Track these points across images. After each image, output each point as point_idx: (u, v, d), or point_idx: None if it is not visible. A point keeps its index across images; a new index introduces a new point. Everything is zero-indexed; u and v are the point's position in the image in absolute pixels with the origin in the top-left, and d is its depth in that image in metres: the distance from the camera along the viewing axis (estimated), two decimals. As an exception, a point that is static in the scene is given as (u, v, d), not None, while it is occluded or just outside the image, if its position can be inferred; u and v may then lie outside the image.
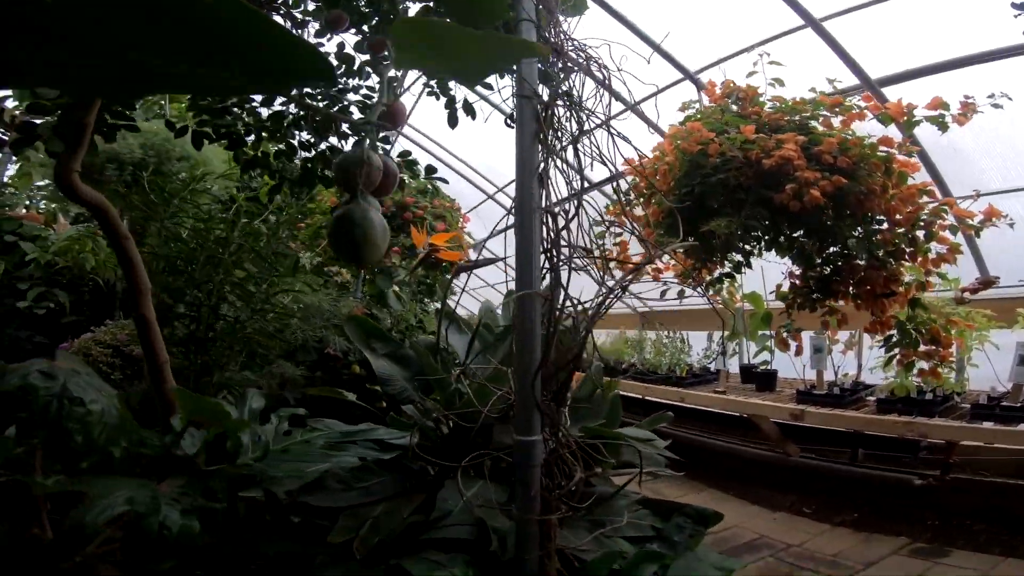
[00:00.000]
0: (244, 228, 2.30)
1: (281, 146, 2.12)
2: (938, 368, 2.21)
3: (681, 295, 3.04)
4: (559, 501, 1.50)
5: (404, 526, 1.73)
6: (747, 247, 2.64)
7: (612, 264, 1.57)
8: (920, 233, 2.25)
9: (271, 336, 3.12)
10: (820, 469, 4.47)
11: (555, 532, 1.49)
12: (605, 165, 1.60)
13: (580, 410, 2.81)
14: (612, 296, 1.52)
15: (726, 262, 2.97)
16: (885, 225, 2.35)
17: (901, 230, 2.29)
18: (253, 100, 2.14)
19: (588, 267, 1.55)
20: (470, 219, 4.92)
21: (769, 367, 4.47)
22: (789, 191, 2.14)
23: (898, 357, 2.25)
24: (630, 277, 1.54)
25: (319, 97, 2.03)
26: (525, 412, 1.47)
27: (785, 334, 3.65)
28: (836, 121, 2.49)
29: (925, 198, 2.18)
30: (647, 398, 5.08)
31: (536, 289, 1.46)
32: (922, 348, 2.19)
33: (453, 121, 2.16)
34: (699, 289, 2.99)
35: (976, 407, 3.09)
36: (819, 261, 2.51)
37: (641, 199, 2.80)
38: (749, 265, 2.78)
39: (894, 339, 2.30)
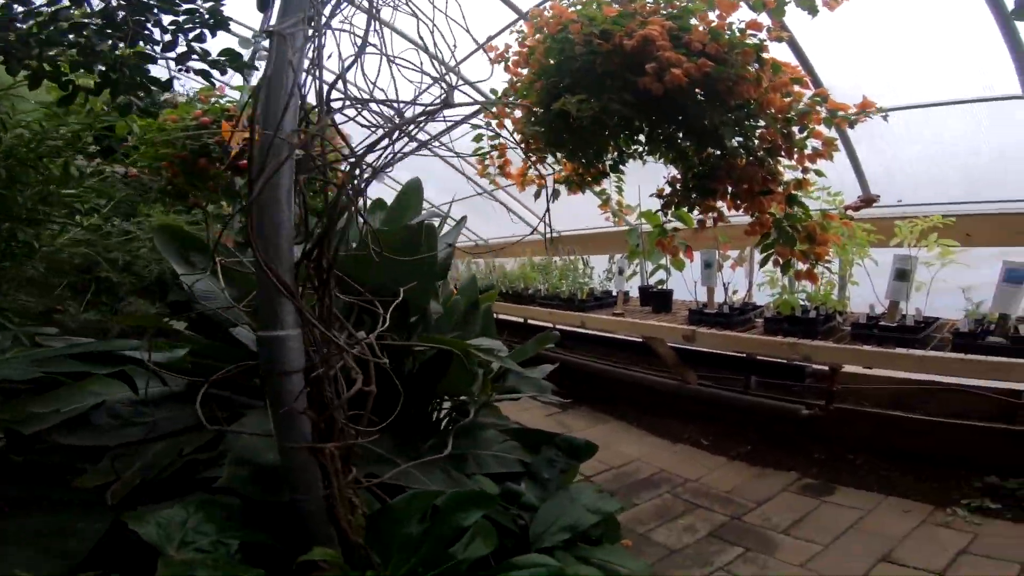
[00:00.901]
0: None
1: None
2: (814, 269, 2.07)
3: (555, 196, 2.76)
4: (345, 426, 1.20)
5: (181, 464, 1.42)
6: (621, 145, 2.36)
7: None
8: (796, 129, 2.03)
9: (123, 270, 2.71)
10: (717, 398, 4.48)
11: (339, 466, 1.17)
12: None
13: (442, 325, 2.54)
14: (392, 143, 1.18)
15: (605, 162, 2.70)
16: (762, 121, 2.11)
17: (778, 125, 2.06)
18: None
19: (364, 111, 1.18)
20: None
21: (665, 287, 4.34)
22: (650, 70, 1.86)
23: (774, 257, 2.09)
24: (423, 119, 1.20)
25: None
26: (266, 295, 1.13)
27: (677, 245, 3.48)
28: (713, 16, 2.19)
29: (798, 87, 1.94)
30: (556, 325, 4.93)
31: (286, 132, 1.08)
32: (799, 248, 2.03)
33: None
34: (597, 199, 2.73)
35: (856, 327, 3.03)
36: (698, 161, 2.27)
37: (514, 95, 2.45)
38: (623, 163, 2.52)
39: (771, 238, 2.12)
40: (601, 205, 3.24)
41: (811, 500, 3.12)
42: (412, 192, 2.35)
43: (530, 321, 5.20)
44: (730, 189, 2.21)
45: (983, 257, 3.32)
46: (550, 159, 2.70)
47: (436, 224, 2.36)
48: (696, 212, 2.30)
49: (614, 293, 4.90)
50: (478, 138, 2.68)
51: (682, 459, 3.90)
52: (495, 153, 2.79)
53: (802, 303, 3.30)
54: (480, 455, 2.01)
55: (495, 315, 5.89)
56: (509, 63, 2.37)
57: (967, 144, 3.30)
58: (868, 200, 3.17)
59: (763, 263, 2.21)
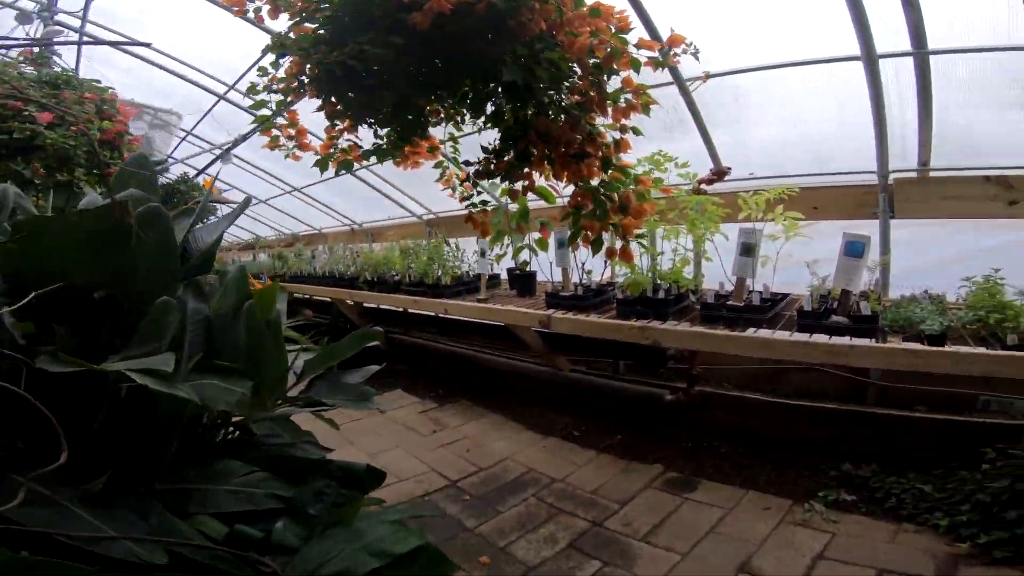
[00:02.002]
0: None
1: None
2: (627, 247, 1.72)
3: (346, 167, 2.26)
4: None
5: None
6: (416, 100, 1.89)
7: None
8: (607, 78, 1.66)
9: None
10: (588, 385, 4.25)
11: None
12: None
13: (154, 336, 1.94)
14: None
15: (426, 130, 2.22)
16: (579, 71, 1.72)
17: (589, 76, 1.67)
18: None
19: None
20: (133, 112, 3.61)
21: (528, 268, 3.98)
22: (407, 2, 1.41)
23: (583, 234, 1.71)
24: None
25: None
26: None
27: (527, 225, 3.12)
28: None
29: (604, 24, 1.56)
30: (412, 311, 4.45)
31: None
32: (612, 221, 1.66)
33: None
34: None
35: (705, 307, 2.79)
36: (513, 123, 1.85)
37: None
38: (422, 124, 2.06)
39: (586, 211, 1.75)
40: (440, 179, 2.77)
41: (674, 498, 2.99)
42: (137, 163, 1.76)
43: (410, 310, 4.70)
44: (548, 153, 1.82)
45: (830, 231, 3.21)
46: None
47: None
48: (507, 184, 1.89)
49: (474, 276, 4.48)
50: (257, 105, 2.11)
51: (552, 455, 3.70)
52: (284, 121, 2.22)
53: (658, 283, 3.04)
54: (210, 491, 1.51)
55: (361, 304, 5.46)
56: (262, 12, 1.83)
57: (816, 116, 3.15)
58: (720, 173, 2.93)
59: (571, 240, 1.84)
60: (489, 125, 1.97)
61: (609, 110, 1.74)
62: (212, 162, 6.94)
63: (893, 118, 2.83)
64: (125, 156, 3.28)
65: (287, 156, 2.36)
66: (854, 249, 2.38)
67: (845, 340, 2.33)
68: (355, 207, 7.01)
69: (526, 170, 1.90)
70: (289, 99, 2.10)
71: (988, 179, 2.84)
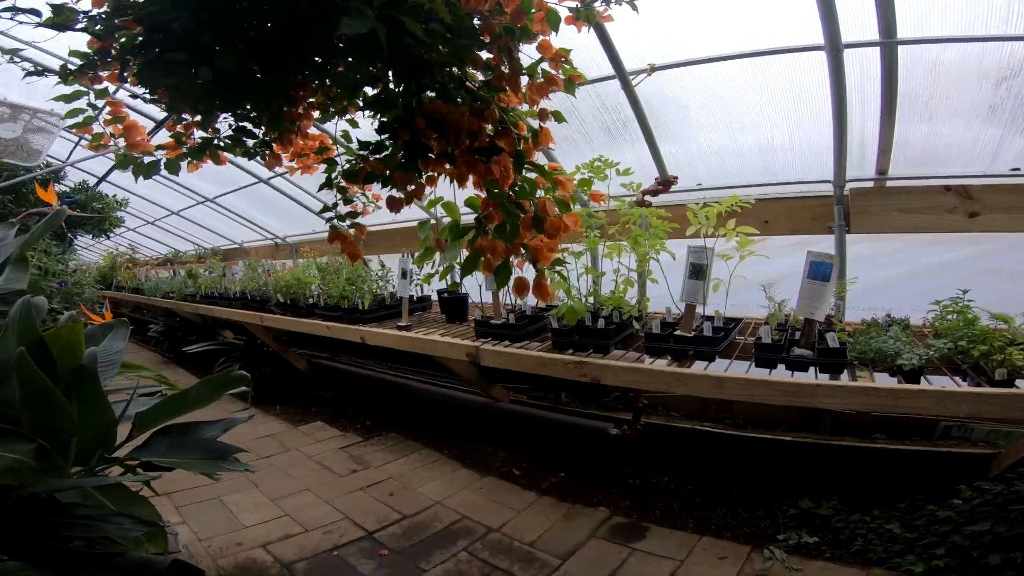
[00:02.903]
0: None
1: None
2: (543, 280, 1.24)
3: (151, 169, 1.69)
4: None
5: None
6: (260, 83, 1.35)
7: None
8: (518, 43, 1.20)
9: None
10: (528, 418, 3.77)
11: None
12: None
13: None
14: None
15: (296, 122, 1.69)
16: (486, 39, 1.24)
17: (499, 43, 1.20)
18: None
19: None
20: None
21: (459, 291, 3.47)
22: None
23: (483, 259, 1.22)
24: None
25: None
26: None
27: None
28: None
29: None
30: (334, 338, 3.85)
31: None
32: (519, 242, 1.18)
33: None
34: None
35: (651, 338, 2.35)
36: (404, 111, 1.34)
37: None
38: (289, 115, 1.53)
39: (492, 225, 1.26)
40: (330, 186, 2.22)
41: (621, 549, 2.57)
42: None
43: (335, 336, 4.09)
44: (449, 150, 1.34)
45: (782, 247, 2.88)
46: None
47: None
48: (391, 191, 1.39)
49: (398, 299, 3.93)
50: (69, 97, 1.53)
51: (489, 498, 3.21)
52: (106, 115, 1.63)
53: (598, 308, 2.60)
54: None
55: (269, 327, 4.79)
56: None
57: (769, 121, 2.81)
58: (666, 183, 2.53)
59: (464, 269, 1.35)
60: (370, 114, 1.46)
61: (523, 87, 1.27)
62: (113, 168, 6.10)
63: (854, 120, 2.51)
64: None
65: (120, 160, 1.76)
66: (820, 271, 2.01)
67: (809, 377, 1.95)
68: (278, 220, 6.31)
69: (426, 174, 1.40)
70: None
71: (948, 188, 2.56)
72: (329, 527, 2.87)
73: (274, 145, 1.78)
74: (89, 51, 1.39)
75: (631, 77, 2.73)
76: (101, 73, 1.47)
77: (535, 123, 1.36)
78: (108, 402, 1.46)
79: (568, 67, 1.27)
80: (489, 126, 1.33)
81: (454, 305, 3.48)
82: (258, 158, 1.87)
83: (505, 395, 3.96)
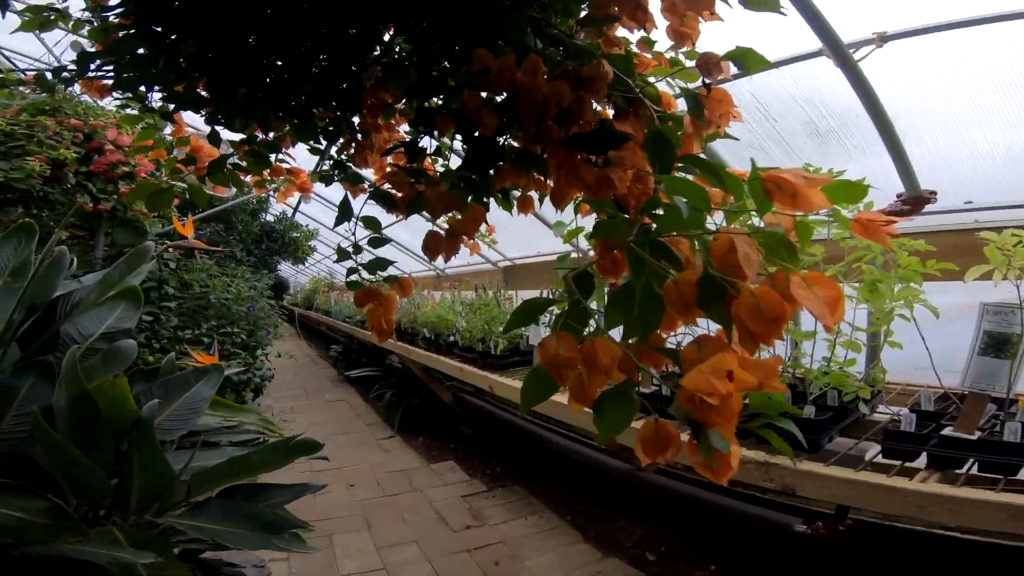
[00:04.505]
0: None
1: None
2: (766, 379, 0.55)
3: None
4: None
5: None
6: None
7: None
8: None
9: None
10: (677, 493, 2.92)
11: None
12: None
13: None
14: None
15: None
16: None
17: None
18: None
19: None
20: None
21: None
22: None
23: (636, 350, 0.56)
24: None
25: None
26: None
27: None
28: None
29: None
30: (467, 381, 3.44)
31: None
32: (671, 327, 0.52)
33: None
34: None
35: (896, 436, 1.44)
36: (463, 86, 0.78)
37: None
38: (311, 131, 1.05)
39: (626, 282, 0.61)
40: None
41: None
42: None
43: (467, 380, 3.74)
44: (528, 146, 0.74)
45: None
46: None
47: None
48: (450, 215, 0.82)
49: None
50: (134, 120, 1.28)
51: None
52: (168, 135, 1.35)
53: (791, 382, 1.73)
54: None
55: (415, 361, 4.58)
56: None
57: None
58: (918, 201, 1.61)
59: (527, 398, 0.68)
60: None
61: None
62: (300, 201, 6.64)
63: None
64: (124, 190, 2.71)
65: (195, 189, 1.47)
66: None
67: None
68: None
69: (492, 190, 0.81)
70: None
71: None
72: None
73: (352, 163, 1.35)
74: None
75: (851, 51, 1.83)
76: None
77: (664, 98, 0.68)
78: (164, 458, 1.31)
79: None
80: (596, 90, 0.68)
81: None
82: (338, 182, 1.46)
83: (652, 465, 3.14)
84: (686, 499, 2.89)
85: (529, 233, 4.55)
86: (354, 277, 0.87)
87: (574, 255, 2.66)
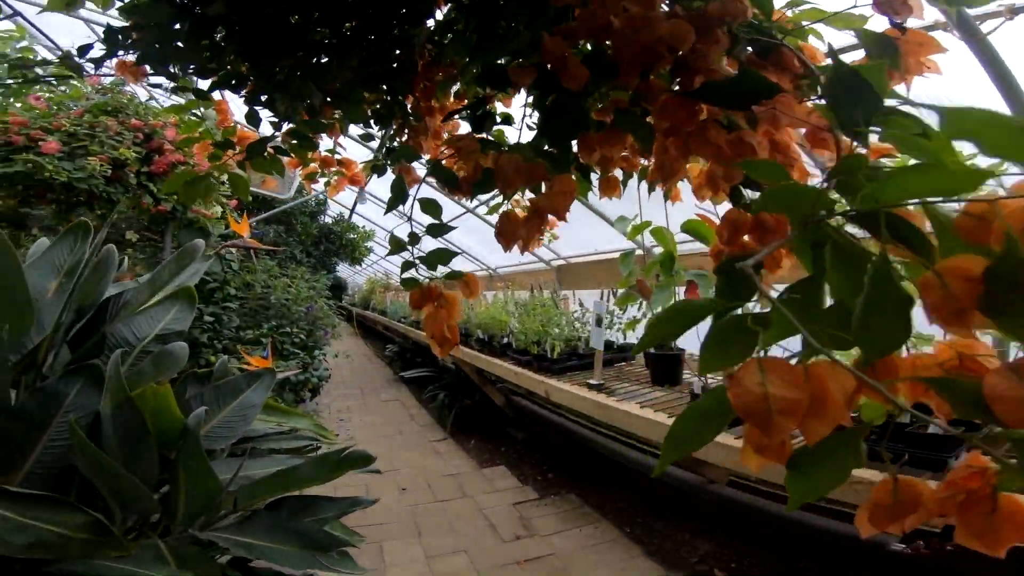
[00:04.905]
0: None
1: None
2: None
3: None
4: None
5: None
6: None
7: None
8: None
9: None
10: (751, 507, 2.64)
11: None
12: None
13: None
14: None
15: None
16: None
17: None
18: None
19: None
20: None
21: (673, 346, 2.56)
22: None
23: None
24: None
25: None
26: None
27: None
28: None
29: None
30: (521, 385, 3.28)
31: None
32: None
33: None
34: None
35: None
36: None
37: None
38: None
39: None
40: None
41: None
42: None
43: (521, 384, 3.58)
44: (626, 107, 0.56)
45: None
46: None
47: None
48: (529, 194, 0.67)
49: (587, 348, 3.16)
50: (183, 108, 1.19)
51: None
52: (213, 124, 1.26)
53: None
54: None
55: (466, 362, 4.46)
56: None
57: None
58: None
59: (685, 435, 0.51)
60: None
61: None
62: (356, 202, 6.70)
63: None
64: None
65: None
66: None
67: None
68: (488, 250, 6.15)
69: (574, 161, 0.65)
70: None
71: None
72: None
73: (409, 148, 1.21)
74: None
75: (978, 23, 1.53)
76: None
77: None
78: (211, 469, 1.23)
79: None
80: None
81: (663, 363, 2.58)
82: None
83: (723, 476, 2.88)
84: (759, 513, 2.62)
85: (584, 231, 4.35)
86: (410, 273, 0.72)
87: (639, 252, 2.42)
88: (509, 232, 0.63)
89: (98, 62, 0.84)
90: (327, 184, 1.59)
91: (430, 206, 0.74)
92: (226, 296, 3.88)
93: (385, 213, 0.82)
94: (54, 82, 2.59)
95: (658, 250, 3.08)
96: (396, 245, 0.73)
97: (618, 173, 0.83)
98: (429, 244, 0.77)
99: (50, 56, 2.58)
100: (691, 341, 1.96)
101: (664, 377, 2.57)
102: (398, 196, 0.74)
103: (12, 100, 2.22)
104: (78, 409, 1.29)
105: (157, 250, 3.62)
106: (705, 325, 0.44)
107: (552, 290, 3.62)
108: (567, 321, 3.25)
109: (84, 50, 0.86)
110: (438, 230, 0.71)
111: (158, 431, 1.29)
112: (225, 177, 1.12)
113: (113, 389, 1.20)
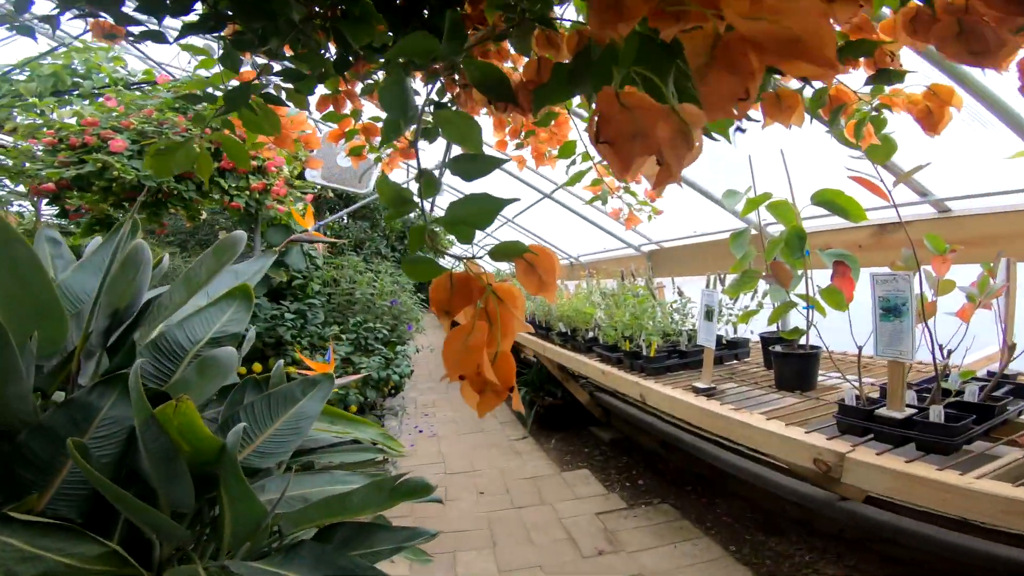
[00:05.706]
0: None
1: None
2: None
3: None
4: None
5: None
6: None
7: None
8: None
9: None
10: (901, 532, 2.09)
11: None
12: None
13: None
14: None
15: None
16: None
17: None
18: None
19: None
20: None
21: (803, 343, 2.07)
22: None
23: None
24: None
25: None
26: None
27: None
28: None
29: None
30: (610, 389, 2.90)
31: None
32: None
33: None
34: None
35: None
36: None
37: None
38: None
39: None
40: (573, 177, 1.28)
41: None
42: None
43: (609, 385, 3.17)
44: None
45: None
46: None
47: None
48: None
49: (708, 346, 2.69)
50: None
51: None
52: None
53: None
54: None
55: (549, 358, 4.11)
56: None
57: None
58: None
59: None
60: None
61: None
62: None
63: None
64: (255, 186, 2.62)
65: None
66: None
67: None
68: (567, 238, 5.78)
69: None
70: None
71: None
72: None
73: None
74: None
75: None
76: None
77: None
78: (250, 491, 1.07)
79: None
80: None
81: (792, 363, 2.09)
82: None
83: (860, 493, 2.34)
84: (904, 535, 2.08)
85: (677, 211, 3.87)
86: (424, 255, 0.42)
87: (753, 232, 1.94)
88: (627, 151, 0.29)
89: (51, 20, 0.63)
90: (377, 160, 1.33)
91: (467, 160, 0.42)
92: (310, 292, 3.85)
93: (382, 144, 0.51)
94: (141, 88, 2.61)
95: (774, 228, 2.55)
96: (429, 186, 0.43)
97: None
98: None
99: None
100: (832, 332, 1.47)
101: (791, 379, 2.09)
102: (395, 111, 0.43)
103: (87, 103, 2.22)
104: (111, 424, 1.13)
105: (248, 249, 3.65)
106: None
107: (648, 277, 3.20)
108: (664, 312, 2.82)
109: (22, 5, 0.64)
110: (472, 165, 0.39)
111: (194, 449, 1.11)
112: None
113: (136, 404, 1.02)
